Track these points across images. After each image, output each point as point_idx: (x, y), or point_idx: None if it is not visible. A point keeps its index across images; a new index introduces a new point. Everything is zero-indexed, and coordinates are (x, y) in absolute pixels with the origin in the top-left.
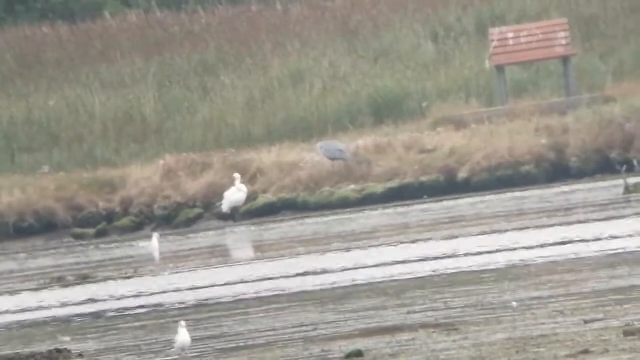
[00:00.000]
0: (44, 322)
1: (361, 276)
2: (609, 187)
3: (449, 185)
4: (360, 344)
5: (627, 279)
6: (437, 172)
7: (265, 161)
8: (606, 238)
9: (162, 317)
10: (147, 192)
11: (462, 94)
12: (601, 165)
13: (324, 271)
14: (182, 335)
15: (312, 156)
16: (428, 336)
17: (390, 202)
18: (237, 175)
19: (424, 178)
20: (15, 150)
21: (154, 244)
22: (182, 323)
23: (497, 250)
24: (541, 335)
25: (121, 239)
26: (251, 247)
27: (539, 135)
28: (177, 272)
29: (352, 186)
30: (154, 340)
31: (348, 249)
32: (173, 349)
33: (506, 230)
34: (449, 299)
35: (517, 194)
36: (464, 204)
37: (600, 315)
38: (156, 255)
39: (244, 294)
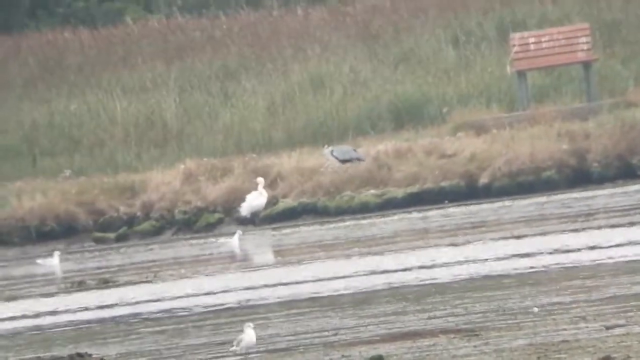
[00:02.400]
0: (65, 327)
1: (381, 281)
2: (631, 193)
3: (470, 191)
4: (381, 349)
5: None
6: (457, 178)
7: (286, 166)
8: (628, 244)
9: (182, 322)
10: (167, 196)
11: (483, 99)
12: (623, 170)
13: (345, 276)
14: (249, 336)
15: (333, 161)
16: (449, 342)
17: (410, 207)
18: (260, 179)
19: (444, 183)
20: (37, 154)
21: (235, 241)
22: (250, 324)
23: (518, 256)
24: (563, 341)
25: (142, 244)
26: (271, 252)
27: (560, 140)
28: (198, 277)
29: (373, 191)
30: (174, 345)
31: (368, 254)
32: (237, 348)
33: (527, 236)
34: (469, 305)
35: (538, 199)
36: (484, 209)
37: (622, 321)
38: (238, 252)
39: (265, 298)
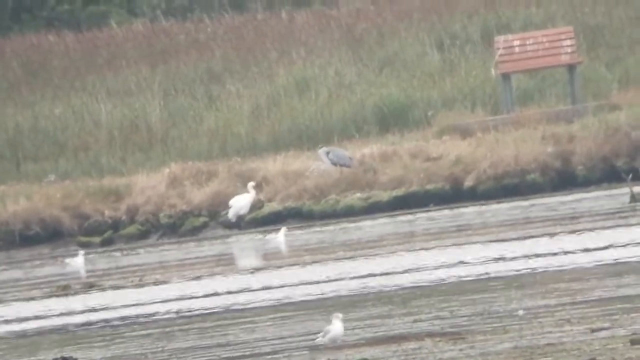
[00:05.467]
0: (50, 331)
1: (367, 284)
2: (615, 196)
3: (455, 194)
4: (366, 353)
5: (634, 287)
6: (443, 181)
7: (271, 170)
8: (613, 247)
9: (168, 325)
10: (153, 200)
11: (468, 102)
12: (607, 173)
13: (330, 280)
14: (337, 327)
15: (318, 164)
16: (434, 345)
17: (396, 210)
18: (252, 183)
19: (429, 187)
20: (21, 158)
21: (281, 237)
22: (339, 315)
23: (503, 259)
24: (548, 344)
25: (127, 248)
26: (257, 256)
27: (545, 143)
28: (183, 281)
29: (358, 195)
30: (160, 349)
31: (354, 258)
32: (322, 340)
33: (512, 239)
34: (455, 308)
35: (523, 202)
36: (470, 212)
37: (607, 324)
38: (283, 248)
39: (251, 302)
